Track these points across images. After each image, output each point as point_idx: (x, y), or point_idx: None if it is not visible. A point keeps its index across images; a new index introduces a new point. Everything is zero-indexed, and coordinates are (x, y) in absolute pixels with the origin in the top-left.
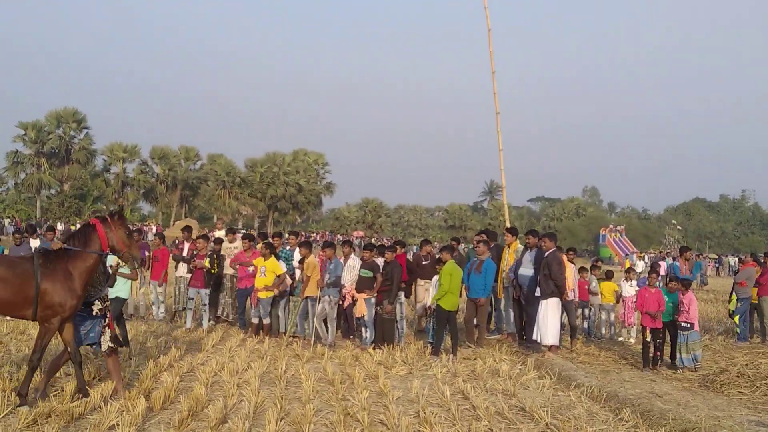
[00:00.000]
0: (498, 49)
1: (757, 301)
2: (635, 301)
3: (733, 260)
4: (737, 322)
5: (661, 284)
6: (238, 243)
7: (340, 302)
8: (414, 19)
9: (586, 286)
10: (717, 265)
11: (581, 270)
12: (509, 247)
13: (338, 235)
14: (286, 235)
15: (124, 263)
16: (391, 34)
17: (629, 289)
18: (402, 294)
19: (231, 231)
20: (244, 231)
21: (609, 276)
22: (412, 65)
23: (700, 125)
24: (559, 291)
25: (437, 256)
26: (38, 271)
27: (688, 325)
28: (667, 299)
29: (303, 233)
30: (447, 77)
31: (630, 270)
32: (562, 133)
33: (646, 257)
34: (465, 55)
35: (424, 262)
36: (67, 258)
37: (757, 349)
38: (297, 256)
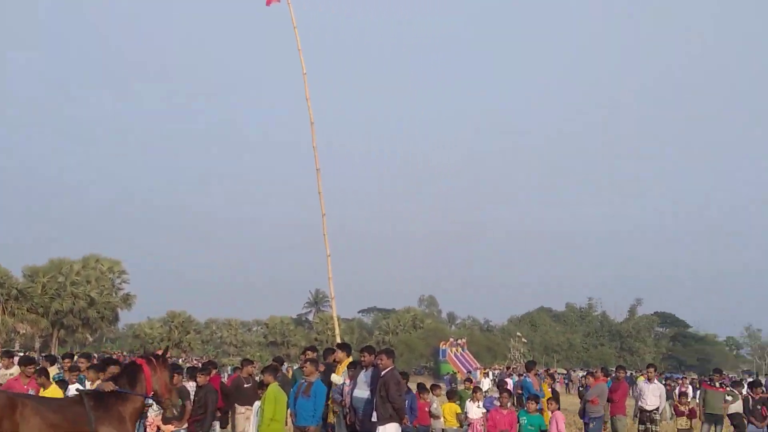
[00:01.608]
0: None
1: (611, 420)
2: (484, 424)
3: (581, 374)
4: None
5: (509, 404)
6: (15, 369)
7: None
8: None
9: (427, 408)
10: (566, 381)
11: (421, 389)
12: (341, 365)
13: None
14: (76, 358)
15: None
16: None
17: (476, 411)
18: (217, 424)
19: (7, 354)
20: (22, 353)
21: (451, 396)
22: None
23: (542, 232)
24: (398, 415)
25: (258, 379)
26: (91, 416)
27: None
28: (525, 421)
29: (95, 354)
30: (266, 172)
31: (476, 389)
32: (396, 237)
33: (490, 373)
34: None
35: (245, 385)
36: (116, 401)
37: None
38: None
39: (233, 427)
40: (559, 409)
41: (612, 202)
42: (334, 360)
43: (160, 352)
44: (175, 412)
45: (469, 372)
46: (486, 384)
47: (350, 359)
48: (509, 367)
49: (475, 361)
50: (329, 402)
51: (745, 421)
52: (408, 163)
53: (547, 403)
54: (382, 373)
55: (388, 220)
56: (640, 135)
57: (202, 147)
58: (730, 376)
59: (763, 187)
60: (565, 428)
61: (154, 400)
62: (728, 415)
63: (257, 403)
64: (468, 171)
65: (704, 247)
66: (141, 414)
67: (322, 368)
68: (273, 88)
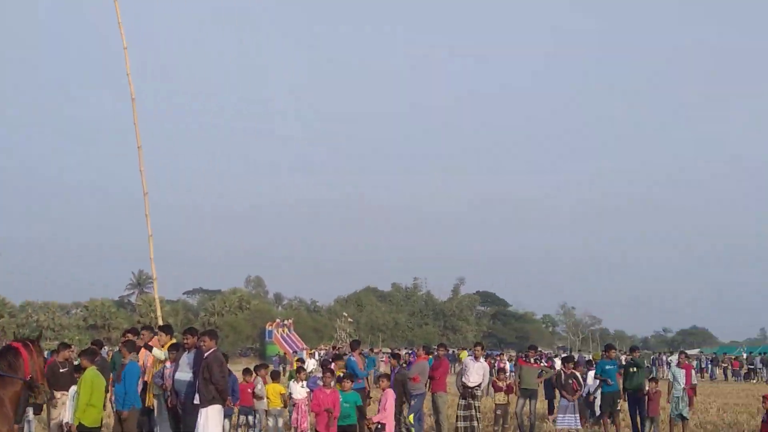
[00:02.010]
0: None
1: (432, 397)
2: (308, 404)
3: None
4: (411, 421)
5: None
6: None
7: None
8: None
9: (250, 390)
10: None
11: (245, 372)
12: (164, 347)
13: None
14: None
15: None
16: None
17: (300, 391)
18: (30, 410)
19: None
20: None
21: (275, 377)
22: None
23: (374, 212)
24: (221, 397)
25: (75, 363)
26: None
27: (381, 427)
28: (344, 400)
29: None
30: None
31: (300, 369)
32: (221, 216)
33: (316, 354)
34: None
35: (61, 370)
36: None
37: None
38: None
39: (48, 413)
40: (391, 387)
41: (442, 180)
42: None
43: (35, 336)
44: (46, 398)
45: (296, 352)
46: (311, 365)
47: (173, 341)
48: (335, 347)
49: (302, 342)
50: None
51: (557, 393)
52: (232, 137)
53: (380, 380)
54: (205, 355)
55: (214, 198)
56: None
57: None
58: (546, 352)
59: (581, 172)
60: (393, 405)
61: (30, 385)
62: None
63: (73, 388)
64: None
65: (523, 230)
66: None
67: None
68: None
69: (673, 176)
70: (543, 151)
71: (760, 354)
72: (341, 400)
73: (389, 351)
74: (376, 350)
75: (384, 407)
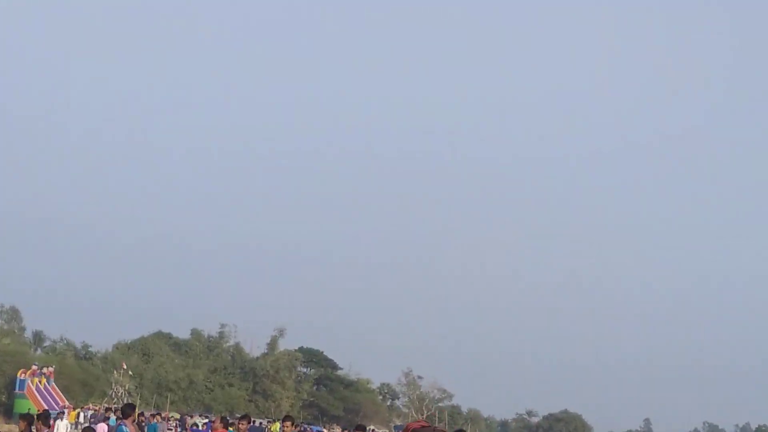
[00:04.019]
0: None
1: None
2: None
3: (200, 421)
4: None
5: None
6: None
7: None
8: None
9: None
10: (180, 429)
11: None
12: None
13: None
14: None
15: None
16: None
17: None
18: None
19: None
20: None
21: None
22: None
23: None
24: None
25: None
26: None
27: None
28: None
29: None
30: None
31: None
32: None
33: (81, 414)
34: None
35: None
36: None
37: None
38: None
39: None
40: None
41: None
42: None
43: None
44: None
45: (60, 413)
46: (63, 428)
47: None
48: (109, 408)
49: (63, 398)
50: None
51: None
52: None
53: None
54: None
55: None
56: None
57: None
58: None
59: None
60: None
61: None
62: None
63: None
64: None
65: (359, 279)
66: None
67: None
68: None
69: None
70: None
71: None
72: None
73: (177, 417)
74: (162, 414)
75: None
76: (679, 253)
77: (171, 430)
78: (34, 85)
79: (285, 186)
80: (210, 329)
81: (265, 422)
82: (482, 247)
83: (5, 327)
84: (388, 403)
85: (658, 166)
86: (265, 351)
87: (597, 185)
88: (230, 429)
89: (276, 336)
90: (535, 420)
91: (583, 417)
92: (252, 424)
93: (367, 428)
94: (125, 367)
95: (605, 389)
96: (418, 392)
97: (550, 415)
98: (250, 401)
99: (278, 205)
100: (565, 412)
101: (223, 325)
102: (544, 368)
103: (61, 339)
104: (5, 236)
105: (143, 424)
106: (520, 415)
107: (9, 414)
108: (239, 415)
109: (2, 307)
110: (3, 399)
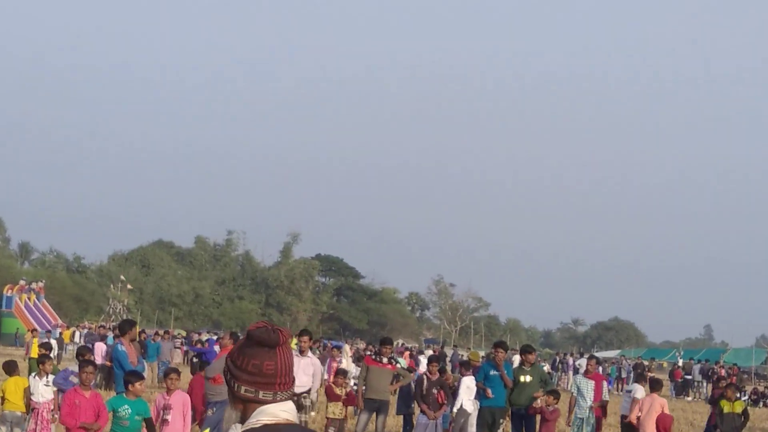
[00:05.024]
0: None
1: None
2: (55, 410)
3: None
4: None
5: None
6: None
7: None
8: None
9: None
10: (186, 345)
11: None
12: None
13: None
14: None
15: None
16: None
17: (45, 391)
18: None
19: None
20: None
21: (11, 369)
22: None
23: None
24: None
25: None
26: None
27: None
28: (130, 409)
29: None
30: None
31: (44, 358)
32: None
33: (77, 334)
34: None
35: None
36: None
37: None
38: None
39: None
40: None
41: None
42: None
43: None
44: None
45: (48, 332)
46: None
47: None
48: (104, 326)
49: (55, 316)
50: None
51: (416, 407)
52: None
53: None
54: None
55: None
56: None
57: None
58: (409, 346)
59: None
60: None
61: None
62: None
63: None
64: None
65: (382, 182)
66: None
67: None
68: None
69: None
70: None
71: (700, 361)
72: (131, 411)
73: (183, 334)
74: (165, 333)
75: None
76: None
77: (178, 349)
78: None
79: (300, 90)
80: (216, 237)
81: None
82: (518, 150)
83: None
84: (417, 315)
85: None
86: (278, 260)
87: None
88: None
89: (289, 242)
90: (582, 329)
91: (636, 325)
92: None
93: (395, 342)
94: (123, 279)
95: (660, 295)
96: (450, 302)
97: (599, 323)
98: (263, 315)
99: (294, 109)
100: (616, 319)
101: (230, 232)
102: (591, 275)
103: (51, 250)
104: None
105: (144, 342)
106: (565, 324)
107: None
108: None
109: None
110: None
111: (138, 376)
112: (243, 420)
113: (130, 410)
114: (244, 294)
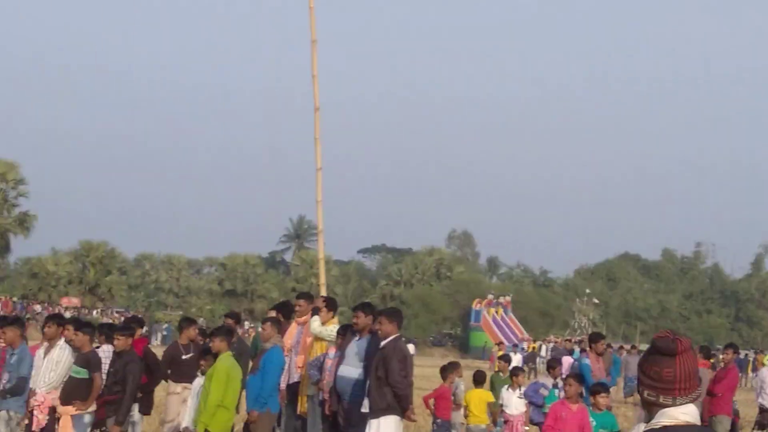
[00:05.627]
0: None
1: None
2: (537, 423)
3: None
4: None
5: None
6: None
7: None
8: None
9: (451, 395)
10: None
11: (444, 369)
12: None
13: (36, 305)
14: None
15: None
16: None
17: (517, 402)
18: (136, 407)
19: None
20: None
21: (479, 379)
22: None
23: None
24: (400, 405)
25: (204, 344)
26: None
27: None
28: (595, 423)
29: None
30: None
31: (516, 371)
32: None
33: (543, 347)
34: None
35: (183, 356)
36: None
37: None
38: None
39: (165, 412)
40: None
41: None
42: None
43: None
44: None
45: (516, 346)
46: (515, 361)
47: (336, 321)
48: (570, 340)
49: (522, 330)
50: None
51: None
52: None
53: None
54: (382, 343)
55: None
56: None
57: None
58: None
59: None
60: None
61: None
62: None
63: (198, 380)
64: None
65: None
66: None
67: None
68: None
69: None
70: None
71: None
72: (596, 425)
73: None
74: (632, 348)
75: None
76: None
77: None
78: None
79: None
80: (684, 249)
81: (751, 353)
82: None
83: (458, 254)
84: None
85: None
86: (749, 272)
87: None
88: (711, 360)
89: (761, 254)
90: None
91: None
92: (737, 354)
93: None
94: (589, 292)
95: None
96: None
97: None
98: (732, 330)
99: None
100: None
101: (698, 245)
102: None
103: (518, 265)
104: None
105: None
106: None
107: (465, 348)
108: (720, 346)
109: (454, 232)
110: (457, 331)
111: (604, 388)
112: (648, 420)
113: (594, 423)
114: (712, 308)
